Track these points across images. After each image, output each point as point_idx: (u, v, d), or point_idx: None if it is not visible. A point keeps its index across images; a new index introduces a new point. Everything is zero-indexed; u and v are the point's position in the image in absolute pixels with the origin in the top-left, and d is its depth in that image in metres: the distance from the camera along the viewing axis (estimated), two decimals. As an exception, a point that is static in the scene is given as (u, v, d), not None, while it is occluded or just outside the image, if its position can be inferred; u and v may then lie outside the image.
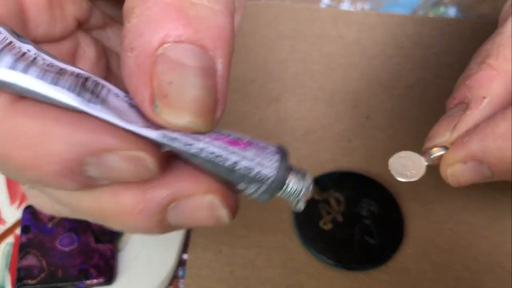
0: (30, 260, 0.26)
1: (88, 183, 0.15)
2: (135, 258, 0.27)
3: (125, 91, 0.15)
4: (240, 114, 0.32)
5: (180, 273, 0.27)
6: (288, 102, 0.33)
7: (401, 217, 0.28)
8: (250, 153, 0.15)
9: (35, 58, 0.14)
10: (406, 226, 0.28)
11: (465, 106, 0.22)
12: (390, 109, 0.32)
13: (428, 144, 0.22)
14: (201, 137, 0.15)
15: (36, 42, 0.16)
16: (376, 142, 0.31)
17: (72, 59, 0.19)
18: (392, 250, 0.27)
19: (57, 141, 0.14)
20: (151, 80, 0.14)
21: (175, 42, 0.14)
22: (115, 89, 0.15)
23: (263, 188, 0.16)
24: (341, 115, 0.32)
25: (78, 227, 0.27)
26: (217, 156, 0.15)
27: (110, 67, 0.21)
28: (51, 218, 0.27)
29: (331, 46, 0.35)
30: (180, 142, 0.15)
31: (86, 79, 0.14)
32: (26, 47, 0.14)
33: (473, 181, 0.21)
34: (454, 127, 0.21)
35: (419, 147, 0.23)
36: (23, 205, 0.28)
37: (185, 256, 0.28)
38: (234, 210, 0.17)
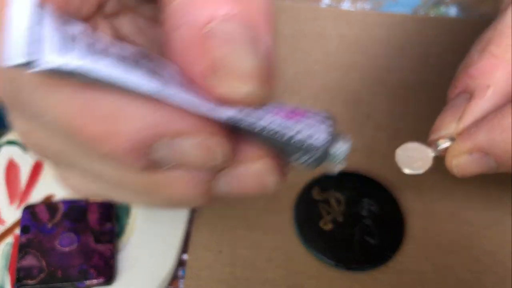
0: (30, 260, 0.26)
1: (151, 165, 0.15)
2: (135, 258, 0.27)
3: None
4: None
5: (180, 273, 0.27)
6: (289, 102, 0.33)
7: (402, 217, 0.28)
8: (304, 124, 0.16)
9: (105, 46, 0.14)
10: (407, 226, 0.28)
11: (468, 95, 0.21)
12: (391, 108, 0.32)
13: (433, 136, 0.22)
14: (261, 113, 0.15)
15: None
16: (376, 142, 0.31)
17: None
18: (393, 250, 0.27)
19: (134, 119, 0.14)
20: (205, 54, 0.14)
21: (224, 18, 0.14)
22: (170, 68, 0.15)
23: (315, 157, 0.16)
24: (342, 114, 0.32)
25: (78, 227, 0.27)
26: (276, 132, 0.15)
27: None
28: (51, 218, 0.27)
29: (332, 46, 0.35)
30: (245, 122, 0.15)
31: (151, 60, 0.14)
32: (76, 29, 0.14)
33: (478, 172, 0.21)
34: (460, 118, 0.21)
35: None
36: (23, 205, 0.28)
37: (185, 256, 0.28)
38: (282, 178, 0.17)
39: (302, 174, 0.30)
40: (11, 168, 0.30)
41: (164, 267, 0.26)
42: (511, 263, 0.27)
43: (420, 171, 0.22)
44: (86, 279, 0.25)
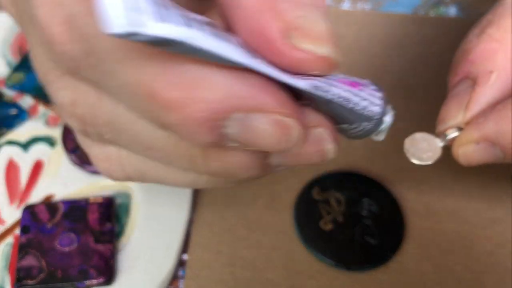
0: (30, 261, 0.26)
1: (218, 140, 0.14)
2: (135, 258, 0.27)
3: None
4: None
5: (180, 273, 0.27)
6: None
7: (402, 217, 0.28)
8: (364, 93, 0.16)
9: (187, 14, 0.13)
10: (407, 226, 0.28)
11: (470, 82, 0.21)
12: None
13: (441, 127, 0.22)
14: (333, 81, 0.15)
15: None
16: (376, 142, 0.31)
17: None
18: (393, 251, 0.27)
19: (214, 88, 0.13)
20: (278, 17, 0.14)
21: None
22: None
23: (371, 125, 0.16)
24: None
25: (78, 227, 0.27)
26: (345, 100, 0.15)
27: None
28: (51, 218, 0.27)
29: (332, 46, 0.35)
30: (321, 90, 0.15)
31: (221, 31, 0.14)
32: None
33: (484, 161, 0.21)
34: (466, 107, 0.21)
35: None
36: (23, 205, 0.28)
37: (185, 257, 0.28)
38: (337, 146, 0.17)
39: (302, 174, 0.30)
40: (11, 168, 0.30)
41: (164, 267, 0.26)
42: (511, 263, 0.27)
43: (429, 162, 0.21)
44: (86, 279, 0.25)
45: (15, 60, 0.34)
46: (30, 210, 0.27)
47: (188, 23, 0.12)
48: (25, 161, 0.30)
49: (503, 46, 0.21)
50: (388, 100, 0.17)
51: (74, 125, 0.17)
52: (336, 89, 0.15)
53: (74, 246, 0.26)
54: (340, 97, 0.15)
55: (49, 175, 0.29)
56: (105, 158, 0.18)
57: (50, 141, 0.31)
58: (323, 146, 0.16)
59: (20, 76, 0.33)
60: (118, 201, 0.28)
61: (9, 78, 0.33)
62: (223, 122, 0.14)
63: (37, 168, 0.30)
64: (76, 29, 0.14)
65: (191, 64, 0.13)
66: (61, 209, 0.27)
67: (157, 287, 0.26)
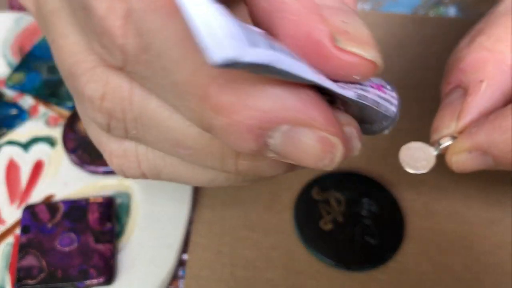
0: (30, 260, 0.26)
1: (259, 150, 0.14)
2: (135, 258, 0.27)
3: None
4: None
5: (180, 273, 0.27)
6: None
7: (402, 217, 0.28)
8: (386, 95, 0.16)
9: (258, 31, 0.13)
10: (407, 226, 0.28)
11: (462, 91, 0.21)
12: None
13: (435, 136, 0.22)
14: (366, 86, 0.15)
15: None
16: (376, 142, 0.31)
17: None
18: (393, 251, 0.27)
19: (267, 98, 0.13)
20: (324, 22, 0.14)
21: None
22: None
23: (387, 123, 0.17)
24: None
25: (78, 227, 0.27)
26: (375, 103, 0.16)
27: None
28: (51, 218, 0.27)
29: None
30: (363, 98, 0.15)
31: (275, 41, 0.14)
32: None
33: (476, 169, 0.21)
34: (458, 116, 0.21)
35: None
36: (23, 205, 0.28)
37: (185, 256, 0.28)
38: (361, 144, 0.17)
39: (302, 174, 0.30)
40: (12, 168, 0.30)
41: (164, 267, 0.26)
42: (511, 263, 0.27)
43: (424, 170, 0.22)
44: (86, 279, 0.25)
45: (15, 60, 0.34)
46: (30, 210, 0.27)
47: (272, 45, 0.12)
48: (25, 161, 0.30)
49: (494, 55, 0.21)
50: (400, 98, 0.17)
51: (99, 119, 0.17)
52: (370, 95, 0.16)
53: (74, 246, 0.26)
54: (373, 103, 0.16)
55: (49, 175, 0.29)
56: (121, 154, 0.18)
57: (50, 141, 0.31)
58: (352, 143, 0.16)
59: (20, 76, 0.33)
60: (118, 201, 0.28)
61: (9, 78, 0.33)
62: (269, 132, 0.14)
63: (37, 168, 0.30)
64: (136, 24, 0.14)
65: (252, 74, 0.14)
66: (61, 209, 0.27)
67: (157, 287, 0.26)
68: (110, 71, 0.16)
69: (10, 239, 0.27)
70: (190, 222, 0.28)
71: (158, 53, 0.14)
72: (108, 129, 0.17)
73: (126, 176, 0.19)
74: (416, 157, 0.22)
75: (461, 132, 0.21)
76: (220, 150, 0.16)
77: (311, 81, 0.13)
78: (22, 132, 0.31)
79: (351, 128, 0.16)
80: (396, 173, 0.30)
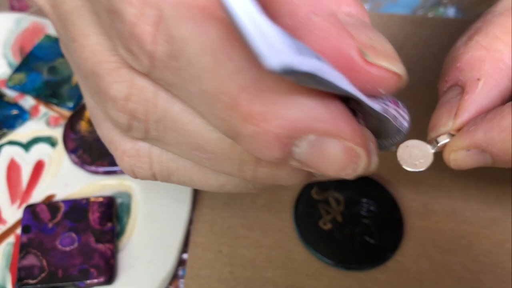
0: (31, 260, 0.26)
1: (284, 158, 0.15)
2: (135, 258, 0.27)
3: None
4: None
5: (180, 272, 0.27)
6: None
7: (401, 217, 0.29)
8: (401, 111, 0.17)
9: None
10: (406, 226, 0.28)
11: (459, 89, 0.22)
12: (390, 109, 0.32)
13: (433, 134, 0.22)
14: (386, 100, 0.16)
15: None
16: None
17: None
18: (392, 250, 0.27)
19: (296, 108, 0.14)
20: (352, 37, 0.15)
21: (348, 14, 0.15)
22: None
23: (399, 138, 0.17)
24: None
25: (79, 227, 0.27)
26: (393, 118, 0.16)
27: None
28: (52, 218, 0.27)
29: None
30: (387, 112, 0.16)
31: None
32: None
33: (474, 166, 0.22)
34: (455, 114, 0.21)
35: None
36: (24, 205, 0.28)
37: (185, 256, 0.28)
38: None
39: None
40: (12, 168, 0.30)
41: (165, 267, 0.27)
42: (510, 262, 0.27)
43: (422, 168, 0.22)
44: (87, 278, 0.25)
45: (16, 61, 0.34)
46: (31, 210, 0.27)
47: (316, 55, 0.12)
48: (26, 161, 0.30)
49: (491, 53, 0.21)
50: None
51: (120, 119, 0.17)
52: (390, 109, 0.16)
53: (75, 245, 0.26)
54: (393, 117, 0.16)
55: (50, 175, 0.30)
56: (134, 154, 0.18)
57: (51, 141, 0.31)
58: (371, 158, 0.16)
59: (21, 76, 0.33)
60: (119, 201, 0.29)
61: (10, 78, 0.33)
62: (295, 141, 0.14)
63: (38, 168, 0.30)
64: (167, 32, 0.14)
65: (278, 80, 0.14)
66: (62, 208, 0.28)
67: (157, 287, 0.26)
68: (135, 72, 0.16)
69: (11, 239, 0.27)
70: (190, 222, 0.29)
71: (189, 61, 0.14)
72: (129, 129, 0.17)
73: (135, 176, 0.19)
74: (414, 155, 0.22)
75: (458, 130, 0.21)
76: (239, 156, 0.16)
77: (347, 92, 0.14)
78: (23, 132, 0.31)
79: (371, 143, 0.16)
80: (395, 173, 0.30)
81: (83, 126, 0.31)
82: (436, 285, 0.27)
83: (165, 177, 0.19)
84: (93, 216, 0.27)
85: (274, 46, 0.11)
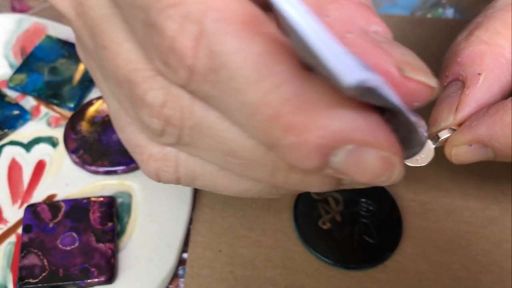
0: (32, 260, 0.26)
1: (321, 167, 0.15)
2: (135, 257, 0.27)
3: None
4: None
5: (180, 272, 0.28)
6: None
7: (400, 217, 0.29)
8: (422, 123, 0.17)
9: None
10: (405, 225, 0.29)
11: (460, 84, 0.22)
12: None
13: (433, 129, 0.22)
14: (413, 113, 0.16)
15: None
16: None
17: None
18: (391, 250, 0.28)
19: (337, 118, 0.14)
20: (387, 52, 0.15)
21: (375, 32, 0.16)
22: None
23: (418, 149, 0.18)
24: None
25: (79, 226, 0.27)
26: (419, 127, 0.17)
27: None
28: (53, 217, 0.27)
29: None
30: (419, 123, 0.16)
31: None
32: None
33: (475, 160, 0.22)
34: (456, 108, 0.21)
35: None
36: (25, 205, 0.28)
37: (185, 255, 0.28)
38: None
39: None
40: (14, 168, 0.30)
41: (165, 266, 0.27)
42: (509, 262, 0.27)
43: (423, 163, 0.22)
44: (87, 278, 0.26)
45: (17, 61, 0.34)
46: (32, 210, 0.28)
47: (371, 69, 0.13)
48: (27, 161, 0.30)
49: (491, 48, 0.21)
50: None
51: (155, 125, 0.17)
52: (420, 121, 0.17)
53: (76, 245, 0.27)
54: (421, 128, 0.17)
55: (51, 175, 0.30)
56: (161, 158, 0.18)
57: (52, 142, 0.31)
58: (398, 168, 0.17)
59: (22, 77, 0.33)
60: (119, 200, 0.29)
61: (11, 79, 0.33)
62: (334, 151, 0.14)
63: (39, 168, 0.30)
64: (208, 46, 0.14)
65: (318, 90, 0.14)
66: (63, 208, 0.28)
67: (158, 286, 0.26)
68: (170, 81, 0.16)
69: (12, 238, 0.27)
70: (190, 222, 0.29)
71: (230, 74, 0.14)
72: (161, 135, 0.17)
73: (158, 179, 0.19)
74: None
75: (459, 124, 0.21)
76: (272, 163, 0.16)
77: (395, 105, 0.14)
78: (24, 133, 0.31)
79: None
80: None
81: (84, 126, 0.31)
82: (435, 285, 0.27)
83: (190, 181, 0.19)
84: (94, 216, 0.27)
85: (347, 65, 0.11)
